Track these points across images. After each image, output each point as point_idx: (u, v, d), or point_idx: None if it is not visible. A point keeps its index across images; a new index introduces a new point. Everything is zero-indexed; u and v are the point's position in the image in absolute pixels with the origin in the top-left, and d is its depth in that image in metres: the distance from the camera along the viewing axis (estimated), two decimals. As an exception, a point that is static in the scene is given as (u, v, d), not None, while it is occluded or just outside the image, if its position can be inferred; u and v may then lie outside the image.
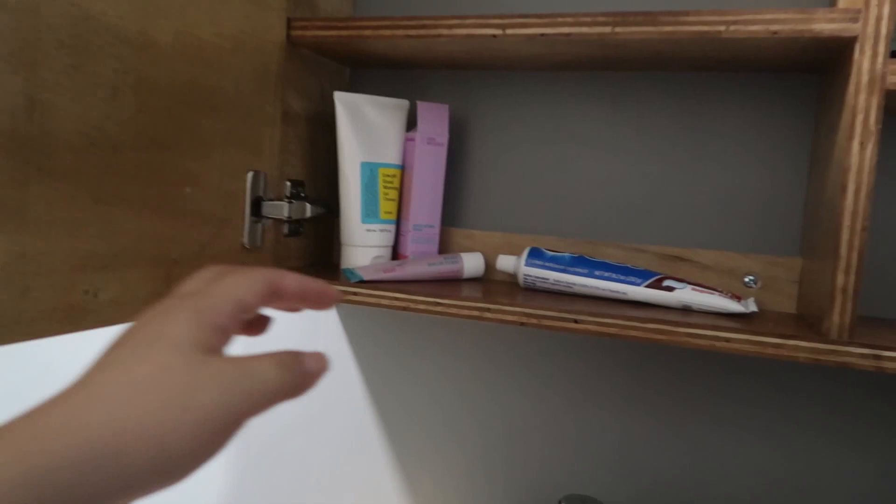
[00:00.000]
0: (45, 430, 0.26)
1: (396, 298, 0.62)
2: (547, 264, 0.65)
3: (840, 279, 0.52)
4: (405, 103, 0.71)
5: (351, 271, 0.65)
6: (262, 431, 0.90)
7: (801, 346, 0.52)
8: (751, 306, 0.60)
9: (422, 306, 0.61)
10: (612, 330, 0.56)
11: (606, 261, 0.65)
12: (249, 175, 0.63)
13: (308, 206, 0.67)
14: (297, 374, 0.33)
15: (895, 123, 0.63)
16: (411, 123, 0.73)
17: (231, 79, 0.60)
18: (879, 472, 0.66)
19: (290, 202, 0.65)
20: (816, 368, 0.67)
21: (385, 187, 0.70)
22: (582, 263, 0.64)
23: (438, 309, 0.61)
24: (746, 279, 0.66)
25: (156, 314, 0.32)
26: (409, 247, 0.71)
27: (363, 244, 0.69)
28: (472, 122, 0.76)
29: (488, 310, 0.59)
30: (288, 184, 0.68)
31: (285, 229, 0.69)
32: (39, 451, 0.25)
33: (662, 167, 0.70)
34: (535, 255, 0.66)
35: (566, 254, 0.65)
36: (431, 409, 0.81)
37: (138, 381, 0.28)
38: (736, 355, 0.69)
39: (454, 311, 0.60)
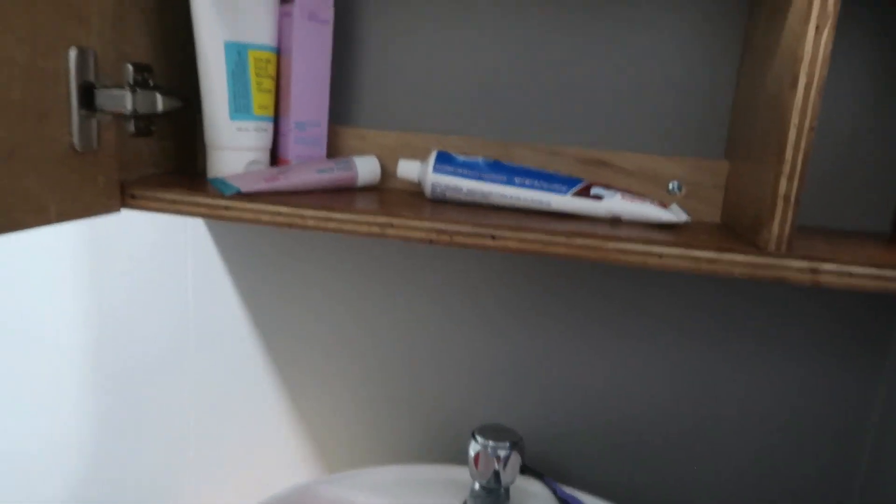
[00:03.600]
0: None
1: (280, 213, 0.51)
2: (459, 171, 0.56)
3: (783, 185, 0.47)
4: (280, -32, 0.57)
5: (223, 182, 0.53)
6: (129, 366, 0.78)
7: (737, 261, 0.48)
8: (681, 215, 0.55)
9: (311, 222, 0.51)
10: (535, 246, 0.49)
11: (526, 166, 0.57)
12: (72, 52, 0.48)
13: (159, 96, 0.53)
14: None
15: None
16: (288, -5, 0.59)
17: (36, -81, 0.44)
18: (781, 383, 0.65)
19: (133, 91, 0.51)
20: (728, 281, 0.64)
21: (258, 75, 0.57)
22: (499, 169, 0.56)
23: (332, 225, 0.51)
24: (671, 185, 0.61)
25: None
26: (291, 149, 0.59)
27: (234, 146, 0.57)
28: (363, -3, 0.63)
29: (391, 225, 0.50)
30: (130, 67, 0.53)
31: (131, 127, 0.55)
32: None
33: (579, 58, 0.61)
34: (445, 160, 0.56)
35: (480, 159, 0.56)
36: (327, 340, 0.72)
37: None
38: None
39: (350, 226, 0.51)
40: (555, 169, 0.62)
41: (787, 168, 0.46)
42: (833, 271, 0.47)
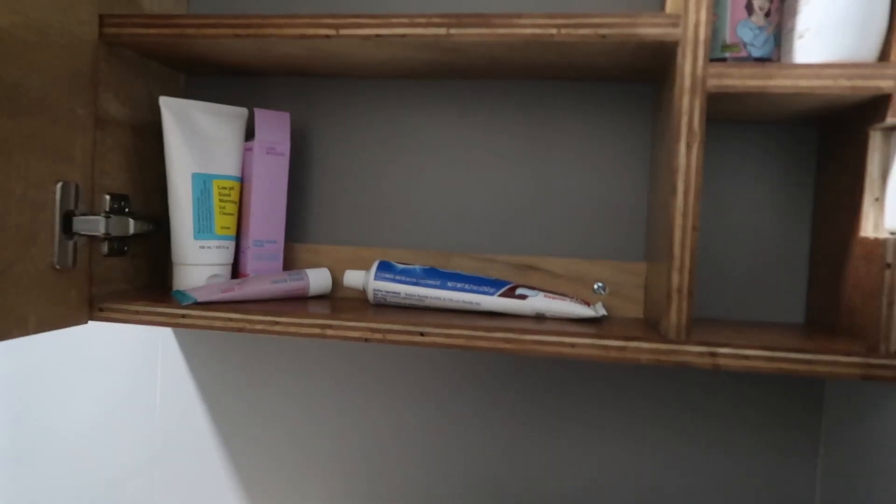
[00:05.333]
0: None
1: (231, 319, 0.57)
2: (397, 277, 0.62)
3: (675, 279, 0.52)
4: (243, 111, 0.66)
5: (182, 293, 0.59)
6: (98, 477, 0.80)
7: (643, 348, 0.52)
8: (600, 310, 0.60)
9: (259, 326, 0.56)
10: (460, 341, 0.54)
11: (459, 272, 0.63)
12: (58, 186, 0.56)
13: (132, 221, 0.61)
14: None
15: (720, 129, 0.66)
16: (251, 133, 0.68)
17: (36, 76, 0.53)
18: (714, 468, 0.67)
19: (108, 217, 0.58)
20: (662, 371, 0.68)
21: (221, 200, 0.64)
22: (433, 275, 0.62)
23: (277, 328, 0.56)
24: (596, 286, 0.66)
25: None
26: (249, 264, 0.66)
27: (197, 262, 0.63)
28: (315, 131, 0.72)
29: (330, 326, 0.55)
30: (107, 197, 0.61)
31: (104, 248, 0.61)
32: None
33: (511, 176, 0.69)
34: (385, 268, 0.63)
35: (417, 266, 0.63)
36: (281, 435, 0.75)
37: None
38: (586, 361, 0.69)
39: (294, 329, 0.56)
40: (490, 274, 0.68)
41: (676, 264, 0.52)
42: (729, 354, 0.51)
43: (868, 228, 0.53)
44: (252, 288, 0.62)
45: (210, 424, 0.77)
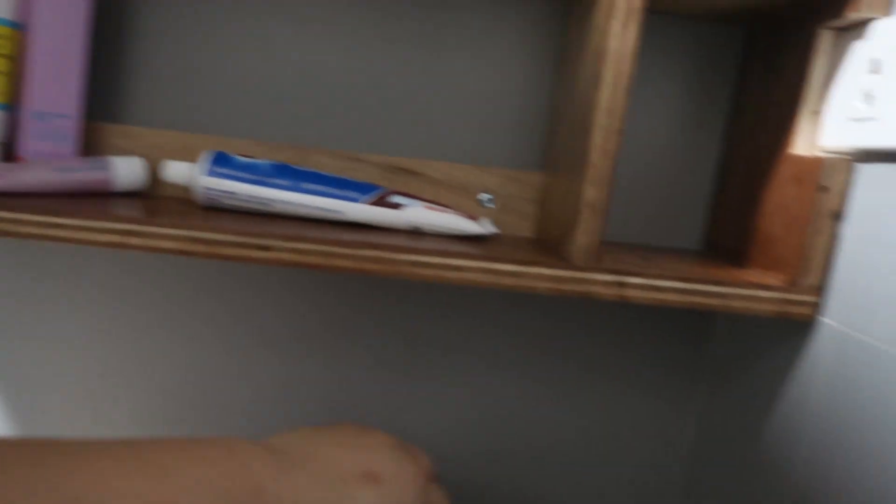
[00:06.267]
0: None
1: (-12, 217, 0.40)
2: (237, 174, 0.48)
3: (589, 192, 0.42)
4: (16, -75, 0.47)
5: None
6: None
7: (543, 275, 0.43)
8: (489, 226, 0.50)
9: (32, 228, 0.40)
10: (314, 259, 0.42)
11: (318, 171, 0.49)
12: None
13: None
14: None
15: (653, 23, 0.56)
16: (31, -39, 0.49)
17: None
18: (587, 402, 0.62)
19: None
20: (546, 297, 0.60)
21: (-18, 51, 0.46)
22: (285, 174, 0.48)
23: (58, 233, 0.41)
24: (482, 197, 0.56)
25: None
26: (28, 144, 0.48)
27: (-57, 136, 0.45)
28: (132, -28, 0.54)
29: (134, 233, 0.40)
30: None
31: None
32: None
33: (390, 60, 0.55)
34: (221, 161, 0.48)
35: (264, 161, 0.48)
36: (84, 367, 0.60)
37: None
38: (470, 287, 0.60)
39: (83, 235, 0.41)
40: (357, 177, 0.55)
41: (592, 173, 0.42)
42: (639, 285, 0.43)
43: (801, 146, 0.46)
44: (26, 176, 0.45)
45: (-15, 352, 0.60)
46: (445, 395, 0.61)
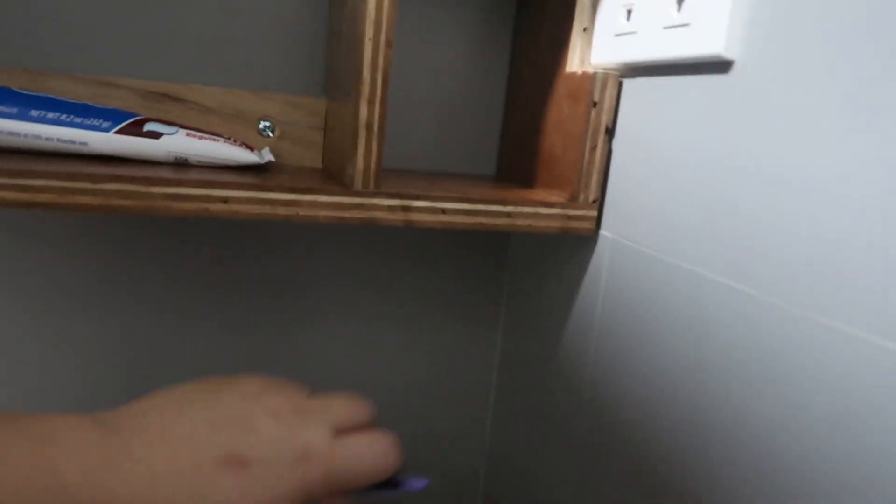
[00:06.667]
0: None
1: None
2: (-58, 100, 0.39)
3: (364, 112, 0.40)
4: None
5: None
6: None
7: (321, 202, 0.40)
8: (266, 155, 0.45)
9: None
10: (48, 197, 0.35)
11: (54, 97, 0.42)
12: None
13: None
14: None
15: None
16: None
17: None
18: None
19: None
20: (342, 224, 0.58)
21: None
22: (10, 100, 0.40)
23: None
24: (261, 125, 0.51)
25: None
26: None
27: None
28: None
29: None
30: None
31: None
32: None
33: (141, -35, 0.48)
34: (-81, 84, 0.39)
35: (-21, 84, 0.40)
36: None
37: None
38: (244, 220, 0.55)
39: None
40: (108, 105, 0.48)
41: (365, 91, 0.40)
42: (425, 208, 0.42)
43: (574, 62, 0.46)
44: None
45: None
46: (276, 343, 0.57)
